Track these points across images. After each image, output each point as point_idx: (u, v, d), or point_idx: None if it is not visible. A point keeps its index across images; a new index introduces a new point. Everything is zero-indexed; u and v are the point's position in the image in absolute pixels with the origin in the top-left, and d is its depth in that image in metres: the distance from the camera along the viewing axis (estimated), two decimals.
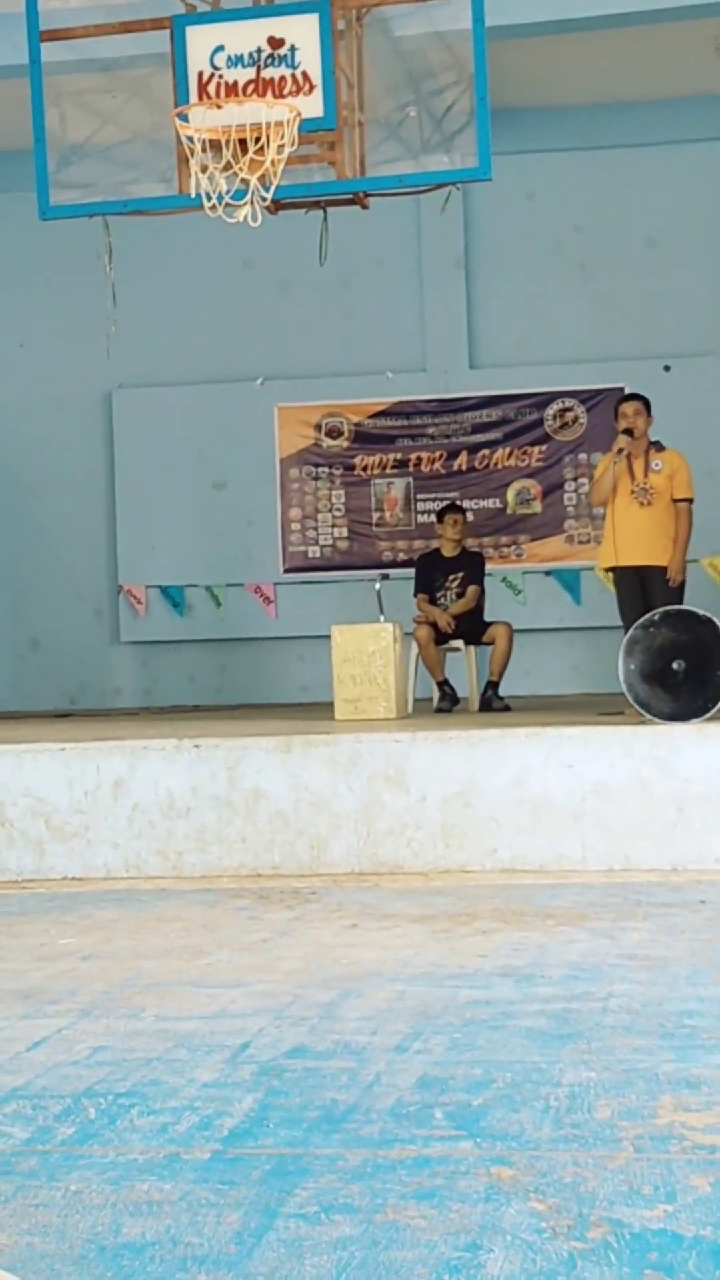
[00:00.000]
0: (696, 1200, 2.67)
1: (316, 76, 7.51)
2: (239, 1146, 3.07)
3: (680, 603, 7.91)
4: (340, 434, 12.53)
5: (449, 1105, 3.30)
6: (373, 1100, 3.35)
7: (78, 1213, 2.72)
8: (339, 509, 12.55)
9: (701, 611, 7.15)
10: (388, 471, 12.50)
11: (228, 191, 7.26)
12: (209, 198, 7.27)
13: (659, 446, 8.41)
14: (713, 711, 6.89)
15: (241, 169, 7.12)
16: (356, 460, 12.52)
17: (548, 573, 12.28)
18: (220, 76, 7.60)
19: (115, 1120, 3.26)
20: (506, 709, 9.38)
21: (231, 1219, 2.66)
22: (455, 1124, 3.17)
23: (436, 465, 12.44)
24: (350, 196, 8.04)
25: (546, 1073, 3.51)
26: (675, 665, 7.10)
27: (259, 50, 7.55)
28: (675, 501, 8.33)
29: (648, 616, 7.21)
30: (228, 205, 7.30)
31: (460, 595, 9.91)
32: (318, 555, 12.56)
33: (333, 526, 12.56)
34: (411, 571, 10.34)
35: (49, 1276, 2.46)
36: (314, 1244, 2.54)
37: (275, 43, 7.55)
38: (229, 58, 7.59)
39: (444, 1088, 3.43)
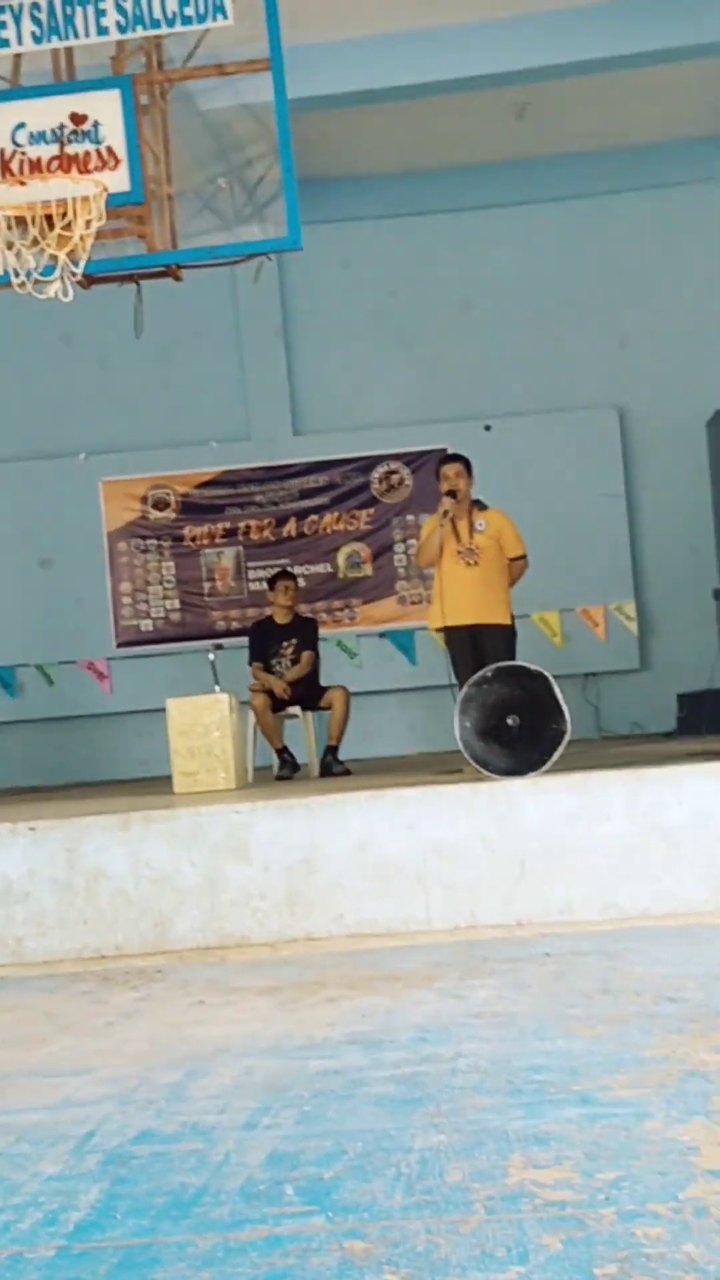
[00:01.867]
0: (549, 1259, 2.64)
1: (121, 151, 7.52)
2: (85, 1240, 2.98)
3: (512, 659, 7.98)
4: (167, 505, 12.49)
5: (299, 1180, 3.24)
6: (222, 1181, 3.28)
7: None
8: (170, 581, 12.49)
9: (533, 666, 7.22)
10: (217, 541, 12.48)
11: (36, 268, 7.21)
12: (17, 274, 7.21)
13: (481, 506, 8.49)
14: (549, 765, 6.95)
15: (49, 245, 7.08)
16: (185, 531, 12.48)
17: (382, 634, 12.34)
18: (23, 153, 7.57)
19: None
20: (347, 773, 9.38)
21: None
22: (306, 1199, 3.11)
23: (266, 533, 12.46)
24: (163, 269, 8.04)
25: (397, 1139, 3.47)
26: (510, 720, 7.15)
27: (61, 126, 7.55)
28: (511, 561, 8.42)
29: (480, 674, 7.26)
30: (37, 281, 7.25)
31: (295, 662, 9.90)
32: (150, 628, 12.47)
33: (164, 599, 12.48)
34: (245, 640, 10.30)
35: None
36: None
37: (78, 118, 7.55)
38: (31, 134, 7.57)
39: (294, 1163, 3.37)
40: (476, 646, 8.29)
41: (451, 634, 8.40)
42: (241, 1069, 4.32)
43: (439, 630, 8.57)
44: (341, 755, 9.60)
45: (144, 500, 12.49)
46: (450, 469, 8.43)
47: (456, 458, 8.57)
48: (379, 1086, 3.98)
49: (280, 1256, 2.78)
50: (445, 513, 8.30)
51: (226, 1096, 4.02)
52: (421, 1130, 3.53)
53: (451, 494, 8.33)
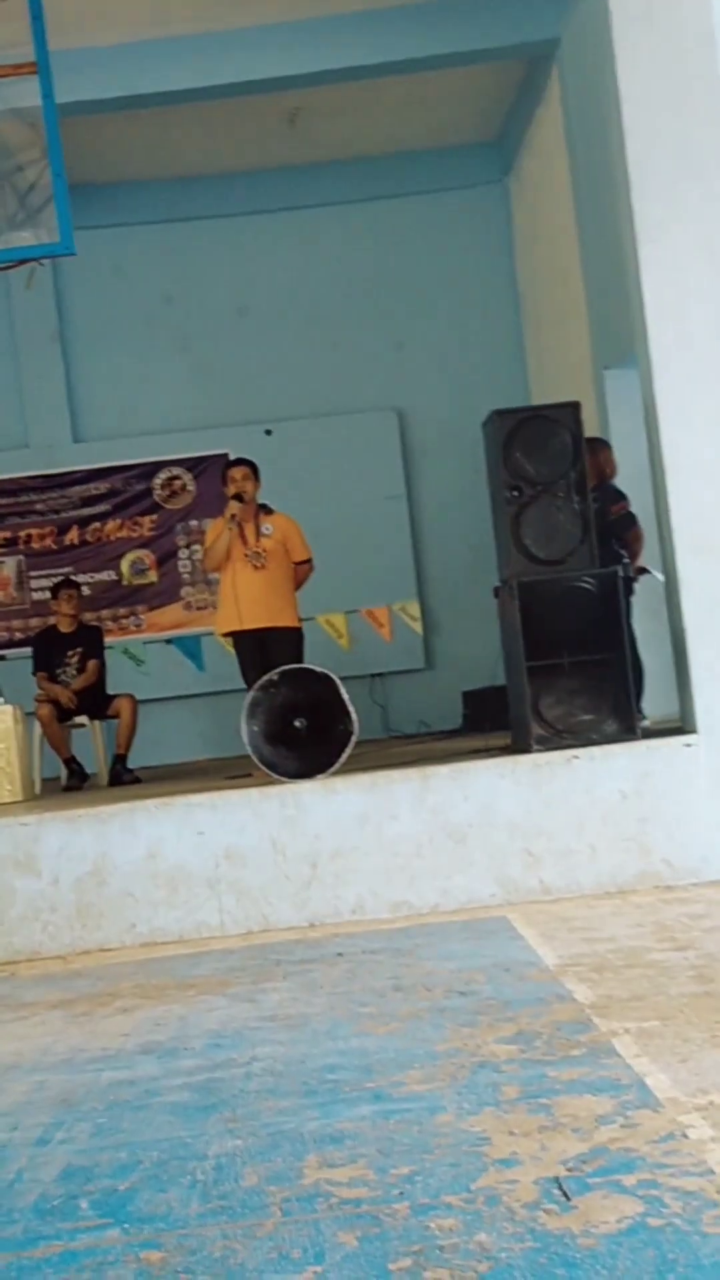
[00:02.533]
0: (345, 1257, 2.67)
1: None
2: None
3: (300, 662, 8.01)
4: None
5: (94, 1194, 3.22)
6: (14, 1199, 3.24)
7: None
8: None
9: (319, 668, 7.26)
10: None
11: None
12: None
13: (267, 510, 8.52)
14: (337, 766, 7.00)
15: None
16: None
17: (168, 641, 12.27)
18: None
19: None
20: (137, 781, 9.32)
21: None
22: (101, 1212, 3.09)
23: (47, 541, 12.30)
24: None
25: (192, 1146, 3.47)
26: (297, 723, 7.18)
27: None
28: (297, 564, 8.45)
29: (267, 677, 7.28)
30: None
31: (81, 670, 9.80)
32: None
33: None
34: (29, 650, 10.16)
35: None
36: None
37: None
38: None
39: (89, 1176, 3.34)
40: (265, 650, 8.31)
41: (240, 638, 8.41)
42: (33, 1084, 4.27)
43: (227, 634, 8.56)
44: (131, 763, 9.53)
45: None
46: (237, 472, 8.44)
47: (243, 461, 8.58)
48: (174, 1095, 3.97)
49: (75, 1272, 2.76)
50: (232, 516, 8.30)
51: (18, 1112, 3.97)
52: (217, 1136, 3.54)
53: (238, 497, 8.34)
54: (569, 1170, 3.00)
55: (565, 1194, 2.86)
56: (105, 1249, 2.87)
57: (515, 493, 7.15)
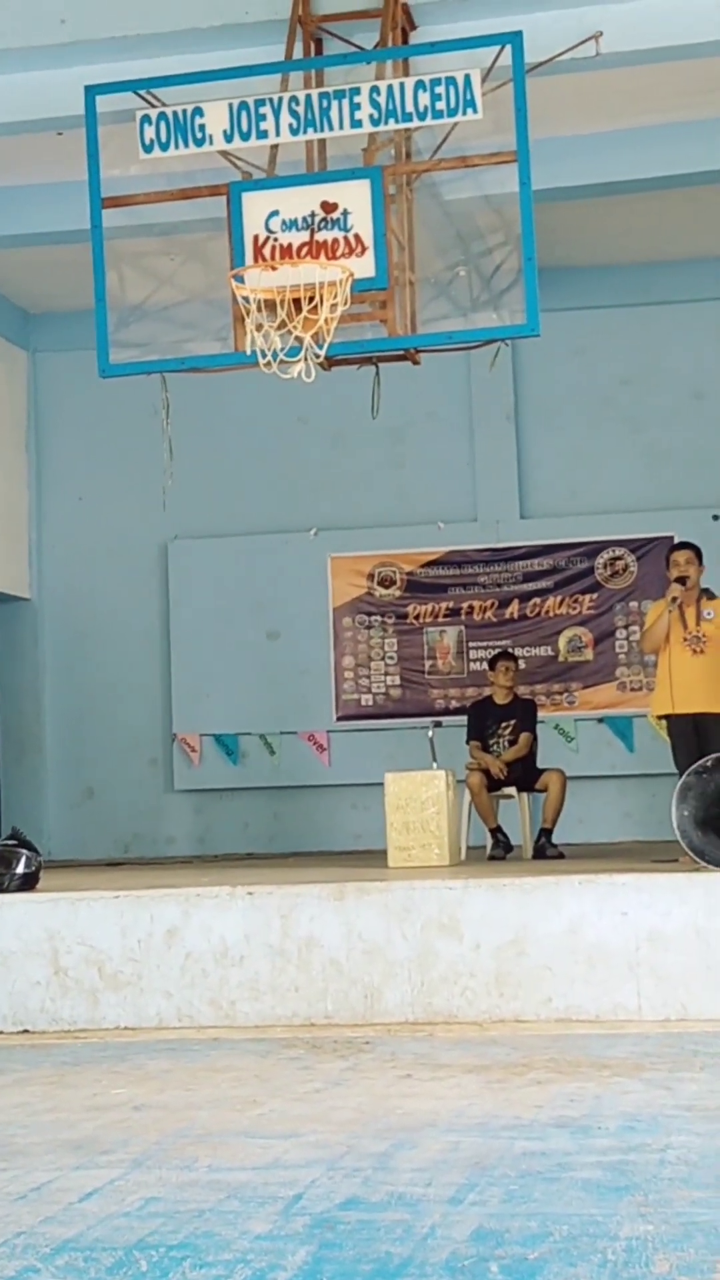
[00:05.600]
0: None
1: (369, 238, 7.74)
2: None
3: None
4: (393, 583, 12.66)
5: (505, 1259, 3.25)
6: (428, 1253, 3.31)
7: None
8: (391, 657, 12.64)
9: None
10: (440, 620, 12.60)
11: (282, 349, 7.46)
12: (264, 355, 7.47)
13: (710, 595, 8.45)
14: None
15: (296, 327, 7.32)
16: (409, 609, 12.64)
17: (600, 720, 12.28)
18: (275, 239, 7.85)
19: (167, 1273, 3.23)
20: (560, 856, 9.35)
21: None
22: (511, 1278, 3.12)
23: (488, 613, 12.53)
24: (402, 353, 8.24)
25: (604, 1225, 3.46)
26: None
27: (313, 214, 7.81)
28: None
29: (701, 762, 7.20)
30: (282, 362, 7.50)
31: (513, 742, 9.93)
32: (370, 703, 12.62)
33: (385, 674, 12.63)
34: (464, 719, 10.37)
35: None
36: None
37: (328, 206, 7.80)
38: (284, 221, 7.84)
39: (500, 1240, 3.38)
40: (698, 735, 8.22)
41: (674, 721, 8.35)
42: (448, 1144, 4.35)
43: (661, 717, 8.51)
44: (555, 839, 9.57)
45: (370, 577, 12.69)
46: (681, 555, 8.42)
47: (688, 545, 8.56)
48: (586, 1171, 3.96)
49: None
50: (674, 599, 8.28)
51: (433, 1170, 4.05)
52: (628, 1218, 3.51)
53: (681, 580, 8.31)
54: None
55: None
56: None
57: None
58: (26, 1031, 7.01)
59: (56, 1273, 3.27)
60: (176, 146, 8.08)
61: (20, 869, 7.58)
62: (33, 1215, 3.73)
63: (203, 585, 12.85)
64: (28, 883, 7.59)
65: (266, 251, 7.83)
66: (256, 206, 7.88)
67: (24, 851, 7.66)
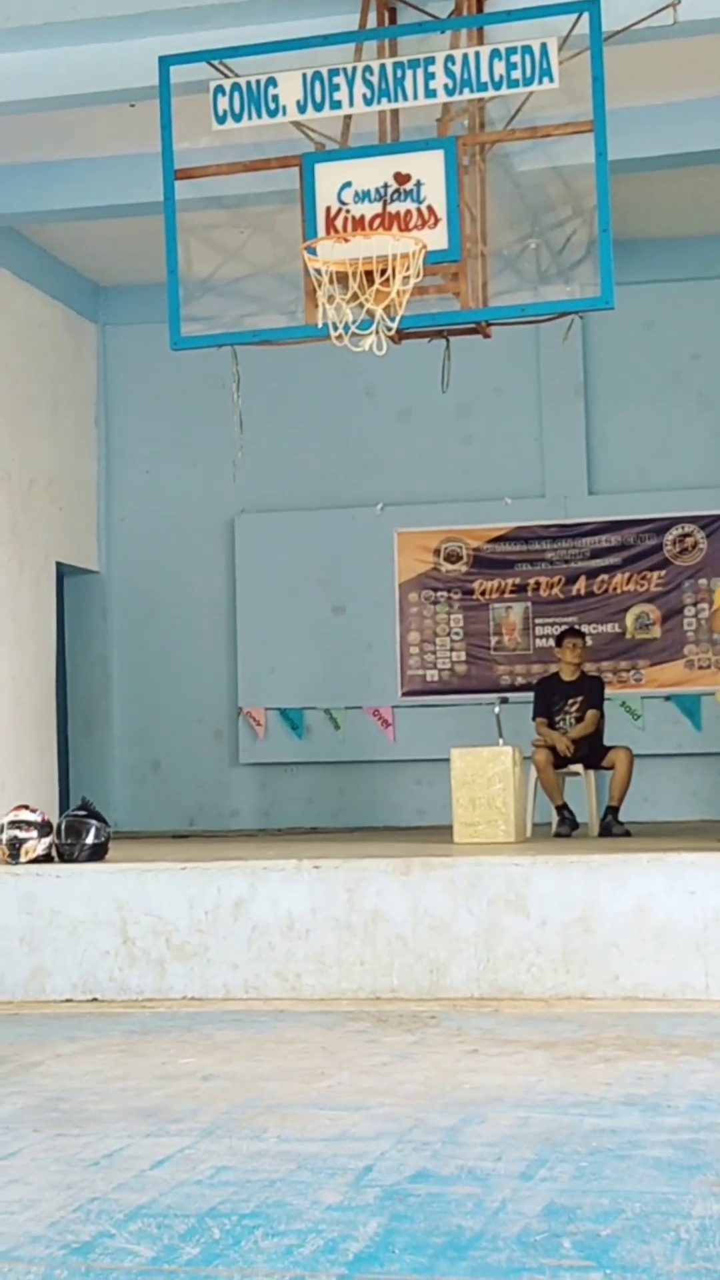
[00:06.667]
0: None
1: (442, 210, 7.68)
2: (365, 1271, 3.04)
3: None
4: (459, 559, 12.61)
5: (577, 1235, 3.24)
6: (499, 1227, 3.30)
7: None
8: (457, 633, 12.59)
9: None
10: (506, 596, 12.54)
11: (354, 322, 7.43)
12: (335, 328, 7.44)
13: None
14: None
15: (367, 300, 7.28)
16: (475, 585, 12.58)
17: (667, 698, 12.19)
18: (347, 211, 7.80)
19: (240, 1241, 3.25)
20: (627, 834, 9.30)
21: None
22: (584, 1254, 3.11)
23: (555, 590, 12.46)
24: (473, 326, 8.18)
25: (676, 1204, 3.44)
26: None
27: (386, 185, 7.76)
28: None
29: None
30: (354, 335, 7.46)
31: (579, 719, 9.88)
32: (436, 679, 12.59)
33: (451, 650, 12.59)
34: (530, 695, 10.33)
35: None
36: None
37: (401, 178, 7.75)
38: (356, 193, 7.80)
39: (571, 1217, 3.37)
40: None
41: None
42: (517, 1119, 4.34)
43: None
44: (621, 817, 9.53)
45: (436, 552, 12.64)
46: None
47: None
48: (656, 1150, 3.95)
49: None
50: None
51: (502, 1145, 4.04)
52: (701, 1197, 3.49)
53: None
54: None
55: None
56: None
57: None
58: (96, 1000, 7.07)
59: (130, 1238, 3.28)
60: (250, 117, 8.04)
61: (90, 839, 7.63)
62: (106, 1181, 3.75)
63: (269, 559, 12.84)
64: (97, 853, 7.63)
65: (339, 223, 7.78)
66: (329, 178, 7.83)
67: (94, 822, 7.70)
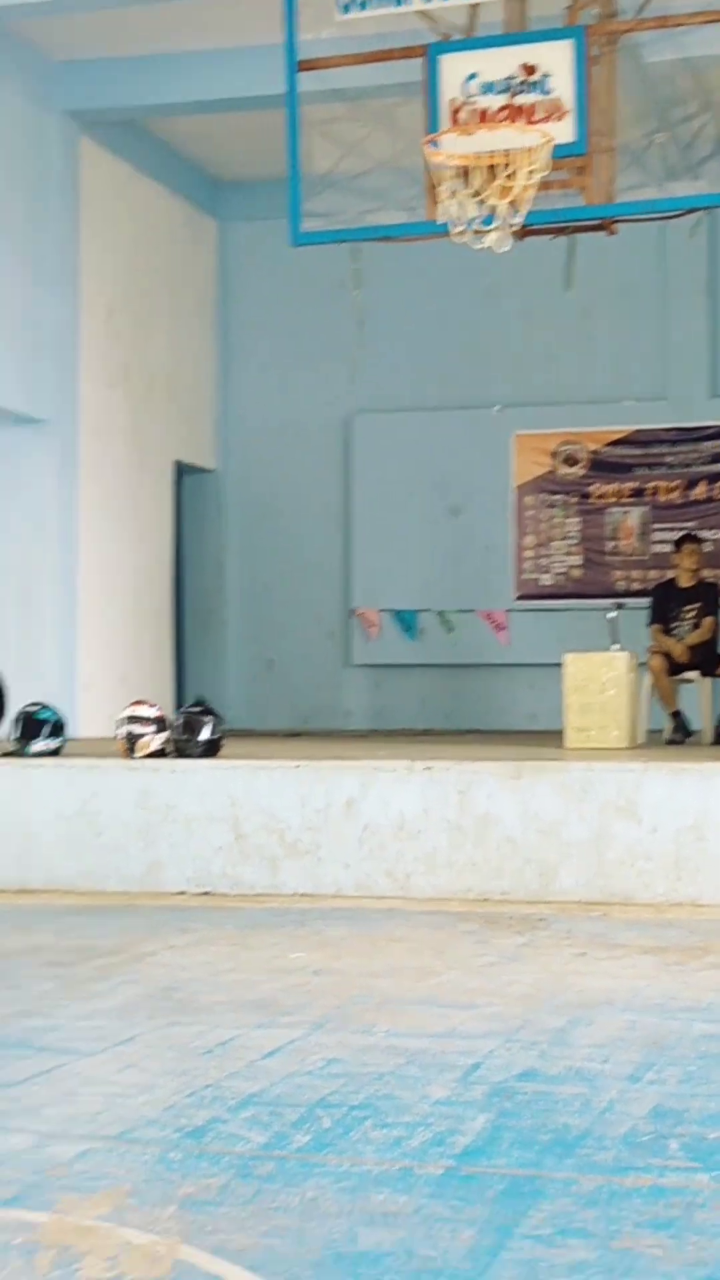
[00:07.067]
0: None
1: (569, 102, 7.53)
2: (472, 1164, 3.07)
3: None
4: (577, 462, 12.47)
5: (684, 1137, 3.25)
6: (606, 1127, 3.32)
7: (314, 1219, 2.75)
8: (573, 537, 12.49)
9: None
10: (624, 500, 12.40)
11: (476, 218, 7.31)
12: (457, 224, 7.33)
13: None
14: None
15: (491, 195, 7.16)
16: (592, 489, 12.45)
17: None
18: (472, 103, 7.67)
19: (349, 1131, 3.30)
20: None
21: (466, 1236, 2.66)
22: (691, 1156, 3.12)
23: (674, 494, 12.29)
24: (598, 222, 8.03)
25: None
26: None
27: (512, 77, 7.61)
28: None
29: None
30: (476, 231, 7.35)
31: (696, 626, 9.77)
32: (550, 583, 12.51)
33: (567, 555, 12.50)
34: (646, 601, 10.23)
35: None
36: (549, 1266, 2.52)
37: (529, 69, 7.59)
38: (482, 84, 7.66)
39: (679, 1119, 3.38)
40: None
41: None
42: (624, 1022, 4.35)
43: None
44: None
45: (554, 455, 12.51)
46: None
47: None
48: None
49: (665, 1207, 2.81)
50: None
51: (610, 1047, 4.05)
52: None
53: None
54: None
55: None
56: (695, 1191, 2.90)
57: None
58: (208, 894, 7.17)
59: (242, 1124, 3.35)
60: (375, 6, 7.90)
61: (205, 735, 7.70)
62: (218, 1070, 3.82)
63: (386, 460, 12.79)
64: (211, 749, 7.71)
65: (463, 116, 7.66)
66: (454, 69, 7.70)
67: (209, 718, 7.77)
